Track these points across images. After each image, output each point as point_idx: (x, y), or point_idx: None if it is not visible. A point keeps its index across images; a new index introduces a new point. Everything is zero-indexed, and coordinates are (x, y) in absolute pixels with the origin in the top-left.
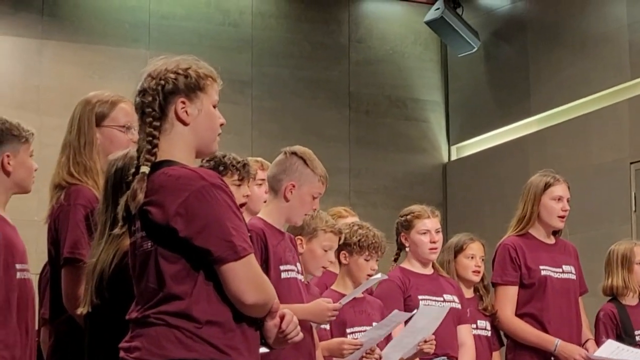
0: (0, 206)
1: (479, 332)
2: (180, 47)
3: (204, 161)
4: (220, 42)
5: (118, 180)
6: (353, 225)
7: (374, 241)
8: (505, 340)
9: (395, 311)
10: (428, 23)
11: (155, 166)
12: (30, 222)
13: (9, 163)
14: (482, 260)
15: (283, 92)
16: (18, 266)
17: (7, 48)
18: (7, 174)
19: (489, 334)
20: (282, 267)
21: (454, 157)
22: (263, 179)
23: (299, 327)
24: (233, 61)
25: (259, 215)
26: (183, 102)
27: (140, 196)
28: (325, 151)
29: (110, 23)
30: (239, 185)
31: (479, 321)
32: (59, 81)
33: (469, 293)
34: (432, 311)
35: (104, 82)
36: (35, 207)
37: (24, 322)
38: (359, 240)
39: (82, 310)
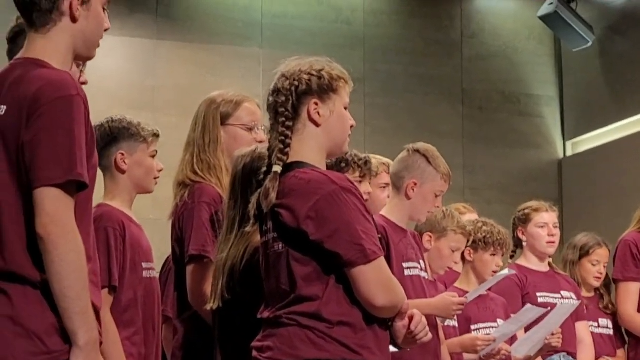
0: (125, 205)
1: (600, 330)
2: (293, 46)
3: None
4: (332, 39)
5: (246, 175)
6: (477, 222)
7: (499, 237)
8: (627, 338)
9: (528, 305)
10: (542, 18)
11: (287, 167)
12: (145, 220)
13: (124, 162)
14: (605, 266)
15: (396, 88)
16: (144, 265)
17: (123, 49)
18: (122, 172)
19: (612, 332)
20: (404, 265)
21: (569, 153)
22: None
23: (427, 328)
24: (345, 59)
25: (381, 212)
26: (316, 103)
27: (273, 195)
28: (438, 148)
29: (223, 22)
30: (360, 182)
31: (600, 319)
32: (174, 81)
33: (589, 292)
34: (565, 308)
35: (218, 81)
36: (150, 205)
37: (150, 320)
38: (484, 237)
39: (211, 305)
